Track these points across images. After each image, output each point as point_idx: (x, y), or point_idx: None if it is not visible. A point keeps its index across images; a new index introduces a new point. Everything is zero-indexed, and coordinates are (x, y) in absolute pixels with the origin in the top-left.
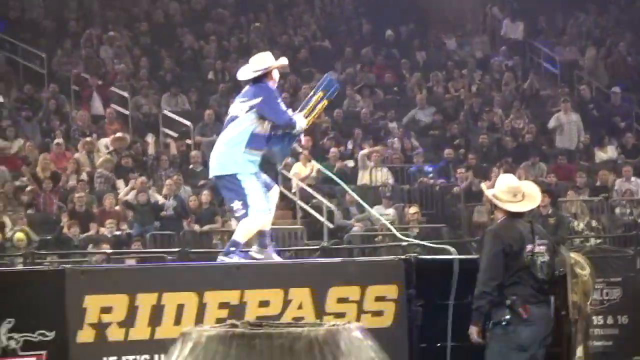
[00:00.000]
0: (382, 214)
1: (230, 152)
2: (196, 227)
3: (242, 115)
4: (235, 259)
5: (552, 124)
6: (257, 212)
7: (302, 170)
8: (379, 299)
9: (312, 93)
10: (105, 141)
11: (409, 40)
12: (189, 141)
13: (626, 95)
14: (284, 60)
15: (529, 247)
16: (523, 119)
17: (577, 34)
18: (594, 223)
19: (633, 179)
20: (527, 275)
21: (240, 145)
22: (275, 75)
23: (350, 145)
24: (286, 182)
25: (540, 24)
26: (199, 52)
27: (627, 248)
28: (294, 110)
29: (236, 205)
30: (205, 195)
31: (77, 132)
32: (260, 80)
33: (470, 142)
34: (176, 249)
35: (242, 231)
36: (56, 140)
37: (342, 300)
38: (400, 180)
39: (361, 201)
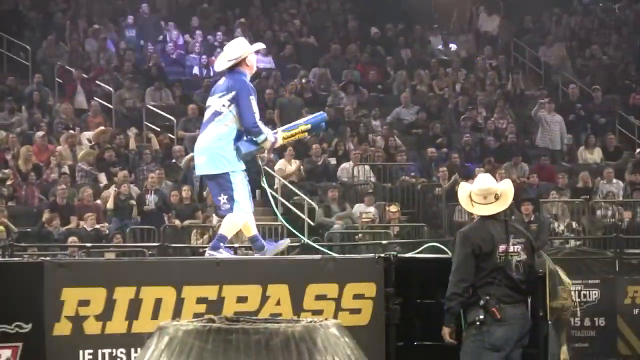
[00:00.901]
0: (363, 211)
1: (221, 150)
2: (177, 222)
3: (225, 111)
4: (224, 254)
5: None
6: (241, 210)
7: (286, 167)
8: (357, 296)
9: (302, 121)
10: (87, 134)
11: (394, 37)
12: (171, 136)
13: (608, 97)
14: (259, 45)
15: (502, 247)
16: (506, 119)
17: (562, 35)
18: (574, 225)
19: (615, 181)
20: (501, 276)
21: (230, 142)
22: (252, 60)
23: (334, 142)
24: (268, 179)
25: (527, 24)
26: (184, 47)
27: (606, 250)
28: (280, 125)
29: (222, 199)
30: (186, 191)
31: (61, 125)
32: (235, 69)
33: (453, 141)
34: (156, 244)
35: (228, 226)
36: (39, 133)
37: (320, 297)
38: (382, 179)
39: (285, 223)
